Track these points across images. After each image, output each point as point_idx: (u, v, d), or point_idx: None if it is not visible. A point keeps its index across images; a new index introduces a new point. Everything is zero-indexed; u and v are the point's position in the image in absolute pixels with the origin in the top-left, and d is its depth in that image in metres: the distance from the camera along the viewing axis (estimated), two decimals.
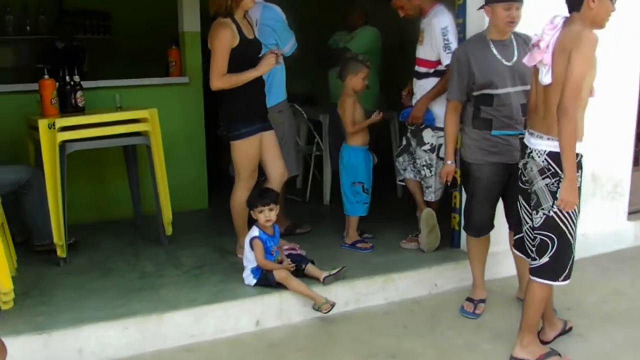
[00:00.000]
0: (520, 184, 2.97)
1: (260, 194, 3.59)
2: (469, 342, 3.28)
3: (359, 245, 4.20)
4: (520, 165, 2.95)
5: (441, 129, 3.82)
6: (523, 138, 2.98)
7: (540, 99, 2.83)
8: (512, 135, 3.30)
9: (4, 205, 3.66)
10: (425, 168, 4.06)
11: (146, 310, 3.26)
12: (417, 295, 3.80)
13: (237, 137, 3.73)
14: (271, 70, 3.83)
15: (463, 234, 3.84)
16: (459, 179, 3.81)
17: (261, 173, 3.94)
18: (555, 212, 2.77)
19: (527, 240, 2.99)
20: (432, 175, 4.05)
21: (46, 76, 4.02)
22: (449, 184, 3.68)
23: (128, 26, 6.79)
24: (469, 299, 3.63)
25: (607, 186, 4.46)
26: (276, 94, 4.21)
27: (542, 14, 2.88)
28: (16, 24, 6.56)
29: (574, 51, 2.60)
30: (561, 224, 2.78)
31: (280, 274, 3.46)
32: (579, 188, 2.77)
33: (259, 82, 3.76)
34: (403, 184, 4.37)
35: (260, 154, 3.82)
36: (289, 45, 4.19)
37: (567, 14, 2.75)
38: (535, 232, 2.87)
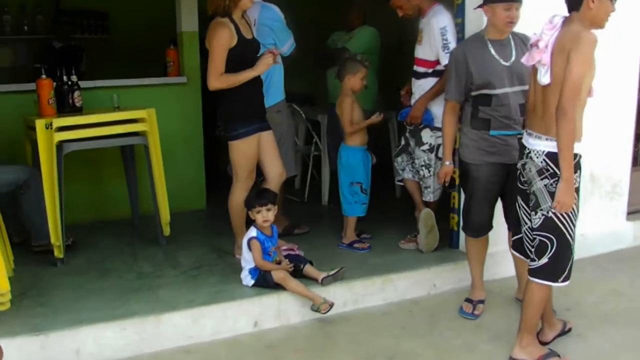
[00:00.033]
0: (519, 185, 2.96)
1: (258, 195, 3.58)
2: (467, 343, 3.27)
3: (356, 245, 4.19)
4: (519, 165, 2.94)
5: (440, 129, 3.80)
6: (521, 138, 2.97)
7: (538, 99, 2.82)
8: (511, 135, 3.29)
9: (1, 206, 3.64)
10: (423, 168, 4.06)
11: (144, 311, 3.25)
12: (416, 296, 3.79)
13: (235, 137, 3.72)
14: (269, 70, 3.82)
15: (462, 234, 3.84)
16: (457, 179, 3.81)
17: (259, 173, 3.93)
18: (554, 213, 2.76)
19: (526, 241, 2.98)
20: (430, 176, 4.04)
21: (43, 76, 4.00)
22: (446, 184, 3.67)
23: (126, 26, 6.77)
24: (468, 300, 3.62)
25: (606, 186, 4.45)
26: (274, 94, 4.20)
27: (541, 14, 2.87)
28: (13, 23, 6.53)
29: (573, 52, 2.59)
30: (560, 224, 2.78)
31: (278, 275, 3.45)
32: (578, 188, 2.76)
33: (257, 82, 3.75)
34: (402, 184, 4.36)
35: (259, 154, 3.81)
36: (288, 45, 4.18)
37: (566, 14, 2.75)
38: (534, 232, 2.86)
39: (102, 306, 3.31)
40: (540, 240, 2.84)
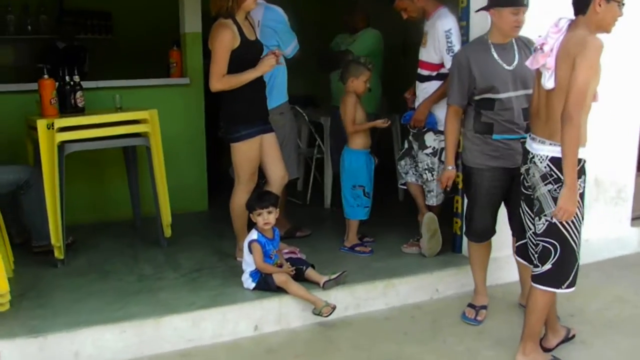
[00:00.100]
0: (523, 190, 2.93)
1: (260, 197, 3.56)
2: (470, 349, 3.24)
3: (358, 249, 4.16)
4: (523, 170, 2.91)
5: (443, 133, 3.78)
6: (525, 142, 2.94)
7: (542, 103, 2.79)
8: (514, 140, 3.27)
9: (1, 206, 3.63)
10: (427, 172, 4.03)
11: (144, 314, 3.23)
12: (418, 301, 3.76)
13: (237, 138, 3.70)
14: (273, 72, 3.81)
15: (465, 239, 3.81)
16: (460, 184, 3.78)
17: (261, 175, 3.92)
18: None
19: (530, 246, 2.95)
20: (433, 179, 4.02)
21: (46, 76, 3.99)
22: (448, 189, 3.65)
23: (129, 26, 6.78)
24: (471, 305, 3.59)
25: (611, 191, 4.42)
26: (277, 96, 4.19)
27: (547, 17, 2.84)
28: (17, 23, 6.56)
29: (578, 57, 2.56)
30: (564, 230, 2.74)
31: (280, 278, 3.43)
32: (582, 194, 2.73)
33: (260, 83, 3.73)
34: (404, 187, 4.35)
35: (261, 156, 3.79)
36: (291, 46, 4.17)
37: (572, 17, 2.72)
38: (538, 238, 2.83)
39: (102, 308, 3.30)
40: (543, 246, 2.81)
